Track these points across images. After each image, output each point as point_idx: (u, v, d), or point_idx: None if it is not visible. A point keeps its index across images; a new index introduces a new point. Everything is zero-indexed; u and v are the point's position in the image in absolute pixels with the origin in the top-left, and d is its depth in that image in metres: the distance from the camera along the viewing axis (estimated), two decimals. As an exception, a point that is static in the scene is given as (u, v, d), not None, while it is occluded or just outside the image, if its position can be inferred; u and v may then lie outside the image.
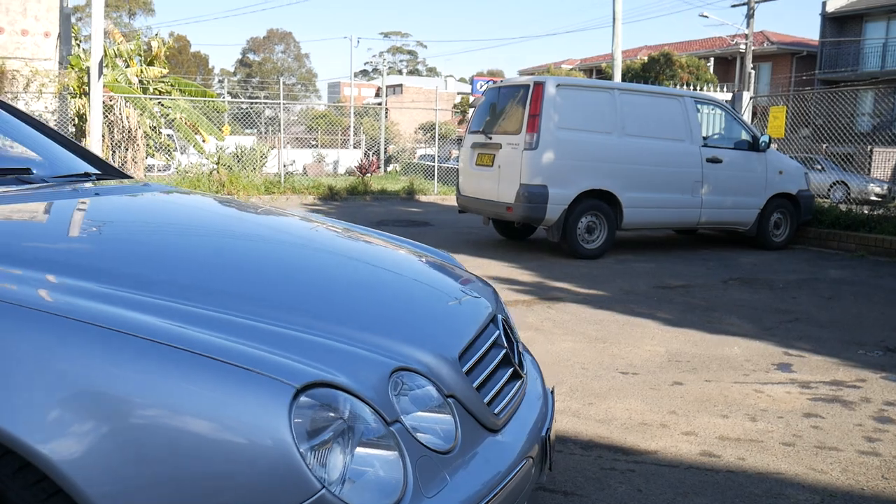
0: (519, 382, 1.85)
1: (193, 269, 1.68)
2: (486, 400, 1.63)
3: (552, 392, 2.11)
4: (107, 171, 2.77)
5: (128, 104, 12.75)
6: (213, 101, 15.20)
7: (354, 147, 31.26)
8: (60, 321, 1.23)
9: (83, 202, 2.09)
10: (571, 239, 7.86)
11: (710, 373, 4.02)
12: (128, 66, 14.05)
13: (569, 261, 7.74)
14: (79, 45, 14.52)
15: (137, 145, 13.15)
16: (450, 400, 1.52)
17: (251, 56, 66.57)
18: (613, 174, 7.96)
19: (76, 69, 12.35)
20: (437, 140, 15.68)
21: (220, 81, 56.72)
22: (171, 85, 14.76)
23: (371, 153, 22.00)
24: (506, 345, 1.86)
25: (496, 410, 1.65)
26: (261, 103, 26.08)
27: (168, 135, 15.43)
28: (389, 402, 1.37)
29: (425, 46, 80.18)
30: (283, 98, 16.50)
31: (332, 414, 1.27)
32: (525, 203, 7.69)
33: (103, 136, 12.34)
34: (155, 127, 14.05)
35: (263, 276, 1.75)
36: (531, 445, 1.70)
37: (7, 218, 1.77)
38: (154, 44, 14.98)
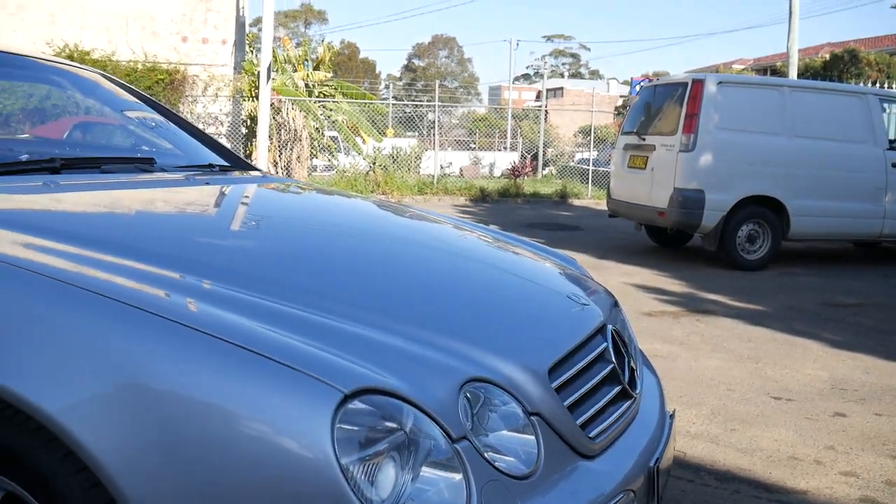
0: (628, 403, 1.64)
1: (278, 261, 1.62)
2: (581, 421, 1.43)
3: (671, 415, 1.86)
4: (236, 164, 2.82)
5: (294, 107, 13.41)
6: (372, 104, 15.68)
7: (512, 150, 31.26)
8: (107, 302, 1.20)
9: (188, 190, 2.11)
10: (730, 248, 7.29)
11: (882, 405, 3.51)
12: (295, 71, 14.78)
13: (726, 271, 7.19)
14: (252, 52, 15.45)
15: (302, 146, 13.80)
16: (533, 418, 1.34)
17: (416, 61, 68.51)
18: (780, 179, 7.30)
19: (249, 74, 13.15)
20: (591, 143, 15.26)
21: (386, 86, 58.81)
22: (335, 88, 15.37)
23: (528, 156, 21.86)
24: (614, 360, 1.65)
25: (592, 434, 1.45)
26: (422, 106, 26.64)
27: (332, 137, 16.09)
28: (456, 416, 1.21)
29: (588, 49, 78.97)
30: (444, 101, 16.74)
31: (384, 425, 1.13)
32: (679, 208, 7.23)
33: (270, 137, 13.07)
34: (318, 128, 14.68)
35: (350, 271, 1.65)
36: (634, 476, 1.48)
37: (105, 202, 1.80)
38: (320, 49, 15.67)
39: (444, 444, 1.18)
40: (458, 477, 1.17)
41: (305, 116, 13.78)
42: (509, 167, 17.02)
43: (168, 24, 12.76)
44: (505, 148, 32.41)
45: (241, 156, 12.99)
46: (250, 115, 13.23)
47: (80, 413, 1.12)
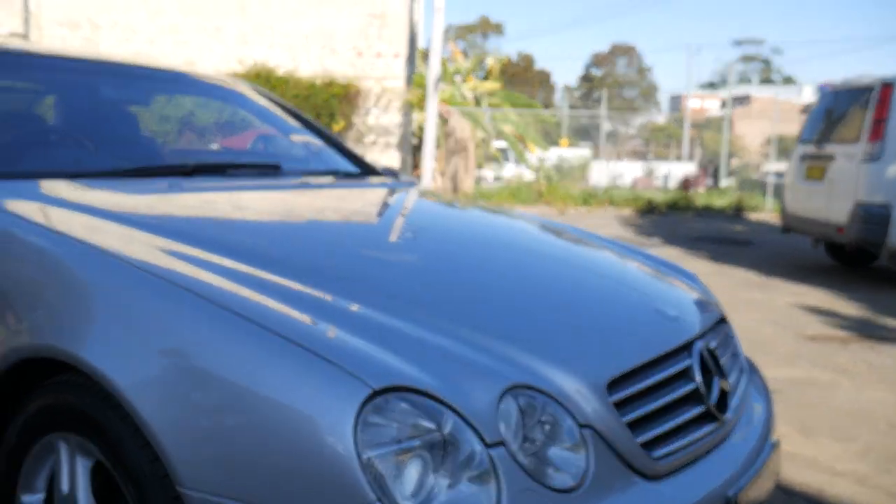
0: (711, 426, 1.51)
1: (359, 259, 1.66)
2: (645, 439, 1.34)
3: (775, 445, 1.69)
4: (368, 171, 2.92)
5: (461, 117, 13.70)
6: (540, 114, 15.66)
7: (690, 160, 29.94)
8: (177, 290, 1.30)
9: (297, 192, 2.22)
10: (921, 269, 6.52)
11: None
12: (465, 82, 15.11)
13: (915, 296, 6.43)
14: (424, 65, 15.97)
15: (468, 156, 14.06)
16: (585, 431, 1.27)
17: (594, 71, 67.62)
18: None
19: (418, 86, 13.61)
20: (772, 153, 14.26)
21: (561, 97, 58.53)
22: (503, 99, 15.53)
23: (704, 167, 20.84)
24: (698, 379, 1.53)
25: (658, 454, 1.35)
26: (597, 116, 26.27)
27: (500, 149, 16.27)
28: (494, 421, 1.18)
29: (781, 53, 74.00)
30: (622, 111, 16.39)
31: (413, 423, 1.12)
32: (860, 224, 6.57)
33: (438, 147, 13.43)
34: (485, 139, 14.90)
35: (429, 272, 1.66)
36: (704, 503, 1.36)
37: (210, 202, 1.94)
38: (489, 60, 15.91)
39: (478, 447, 1.15)
40: (489, 482, 1.14)
41: (472, 127, 14.03)
42: (682, 179, 16.33)
43: (345, 41, 13.51)
44: (682, 158, 31.14)
45: (409, 165, 13.46)
46: (419, 125, 13.69)
47: (146, 391, 1.22)
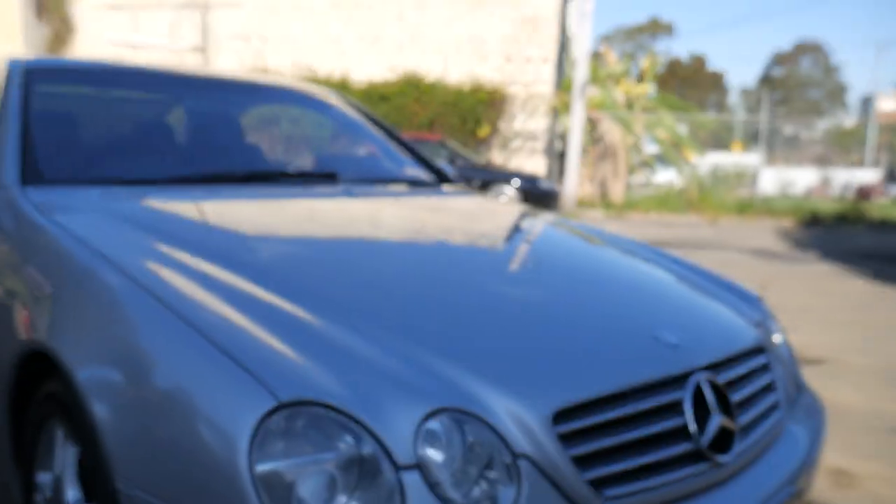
0: (701, 467, 1.37)
1: (329, 268, 1.65)
2: (595, 476, 1.23)
3: (796, 493, 1.50)
4: (441, 178, 2.92)
5: (612, 121, 13.36)
6: (699, 117, 14.95)
7: (876, 167, 27.36)
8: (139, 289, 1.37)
9: (335, 201, 2.26)
10: None
11: None
12: (617, 86, 14.71)
13: None
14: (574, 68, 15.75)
15: (618, 161, 13.69)
16: (521, 461, 1.19)
17: (775, 71, 63.54)
18: None
19: (566, 91, 13.44)
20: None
21: (737, 100, 55.55)
22: (658, 102, 14.97)
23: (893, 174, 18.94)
24: (688, 415, 1.39)
25: (611, 493, 1.24)
26: (750, 119, 24.77)
27: (655, 156, 15.70)
28: (412, 443, 1.13)
29: None
30: (798, 114, 15.31)
31: (320, 439, 1.11)
32: None
33: (586, 152, 13.20)
34: (636, 144, 14.44)
35: (396, 285, 1.61)
36: None
37: (225, 208, 2.00)
38: (643, 62, 15.38)
39: (388, 470, 1.11)
40: None
41: (623, 132, 13.64)
42: (858, 187, 14.95)
43: (495, 46, 13.61)
44: (864, 164, 28.54)
45: (556, 171, 13.30)
46: (566, 130, 13.52)
47: (97, 388, 1.29)
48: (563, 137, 13.69)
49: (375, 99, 13.43)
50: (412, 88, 13.20)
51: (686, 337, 1.56)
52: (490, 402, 1.22)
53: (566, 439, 1.24)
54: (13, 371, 1.59)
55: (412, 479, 1.11)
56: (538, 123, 13.47)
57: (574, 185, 12.47)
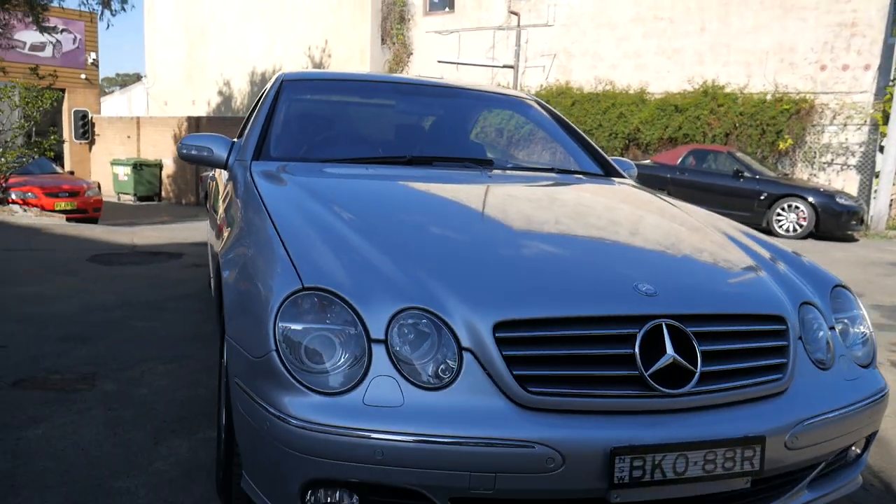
0: (638, 392, 1.62)
1: (405, 219, 2.20)
2: (522, 374, 1.57)
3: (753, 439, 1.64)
4: (611, 173, 3.25)
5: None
6: None
7: None
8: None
9: (468, 179, 2.76)
10: None
11: None
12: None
13: None
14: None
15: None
16: (466, 353, 1.59)
17: None
18: None
19: (889, 101, 12.04)
20: None
21: None
22: None
23: None
24: (636, 349, 1.63)
25: (535, 390, 1.57)
26: None
27: None
28: (384, 326, 1.60)
29: None
30: None
31: (327, 314, 1.64)
32: None
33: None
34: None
35: (451, 238, 2.07)
36: (566, 443, 1.52)
37: (367, 182, 2.61)
38: None
39: (363, 340, 1.61)
40: (362, 366, 1.59)
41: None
42: None
43: (807, 54, 12.71)
44: None
45: (871, 190, 11.97)
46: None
47: (227, 264, 2.02)
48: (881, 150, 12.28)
49: (669, 111, 13.37)
50: (708, 100, 12.90)
51: (666, 290, 1.80)
52: (451, 308, 1.65)
53: (504, 343, 1.61)
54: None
55: (379, 349, 1.60)
56: (853, 136, 12.27)
57: (885, 204, 11.17)
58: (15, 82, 10.91)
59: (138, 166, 19.10)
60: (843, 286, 2.19)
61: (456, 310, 1.65)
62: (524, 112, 3.73)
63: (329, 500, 1.61)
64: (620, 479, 1.56)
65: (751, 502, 1.79)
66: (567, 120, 3.63)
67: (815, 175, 12.47)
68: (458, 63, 16.59)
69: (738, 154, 11.42)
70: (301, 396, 1.58)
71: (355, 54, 18.09)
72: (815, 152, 12.46)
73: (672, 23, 14.12)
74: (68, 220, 9.87)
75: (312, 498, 1.61)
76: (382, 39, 18.13)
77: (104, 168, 20.03)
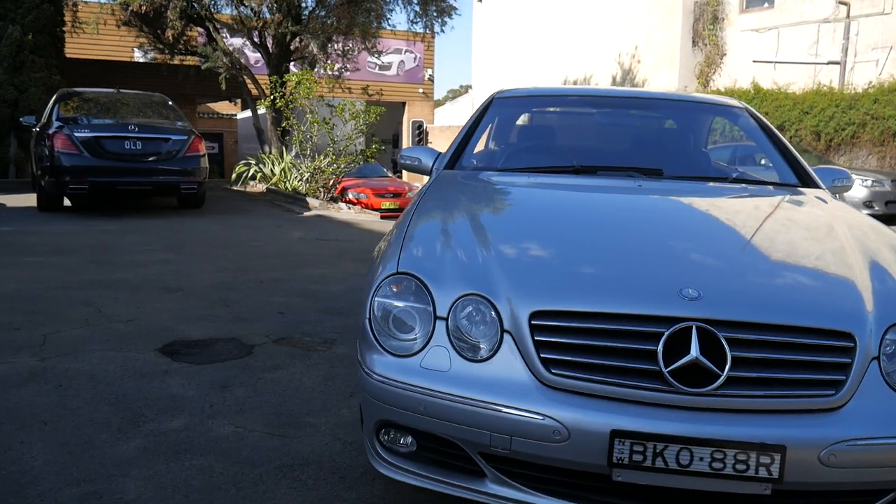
0: (659, 386, 1.78)
1: (531, 221, 2.50)
2: (549, 357, 1.81)
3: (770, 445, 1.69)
4: (808, 184, 3.18)
5: None
6: None
7: None
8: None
9: (627, 187, 2.92)
10: None
11: None
12: None
13: None
14: None
15: None
16: (505, 334, 1.91)
17: None
18: None
19: None
20: None
21: None
22: None
23: None
24: (659, 347, 1.79)
25: (557, 371, 1.82)
26: None
27: None
28: (448, 307, 1.99)
29: None
30: None
31: (411, 294, 2.04)
32: None
33: None
34: None
35: (577, 231, 2.36)
36: (572, 424, 1.74)
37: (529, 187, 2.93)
38: None
39: (432, 316, 2.02)
40: (428, 337, 2.00)
41: None
42: None
43: None
44: None
45: None
46: None
47: None
48: None
49: None
50: None
51: (712, 295, 1.90)
52: (501, 296, 1.98)
53: (537, 329, 1.90)
54: None
55: (441, 325, 2.00)
56: None
57: None
58: (351, 101, 12.98)
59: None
60: None
61: (505, 298, 1.97)
62: (734, 119, 3.73)
63: (396, 439, 2.06)
64: (619, 459, 1.73)
65: None
66: (772, 127, 3.56)
67: None
68: (776, 62, 15.54)
69: None
70: (381, 357, 2.04)
71: (664, 59, 17.87)
72: None
73: None
74: (382, 217, 11.43)
75: (386, 436, 2.07)
76: (693, 41, 17.64)
77: (432, 172, 22.44)
